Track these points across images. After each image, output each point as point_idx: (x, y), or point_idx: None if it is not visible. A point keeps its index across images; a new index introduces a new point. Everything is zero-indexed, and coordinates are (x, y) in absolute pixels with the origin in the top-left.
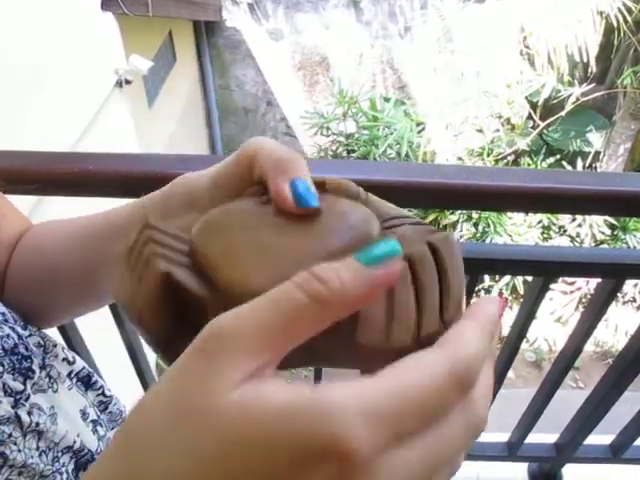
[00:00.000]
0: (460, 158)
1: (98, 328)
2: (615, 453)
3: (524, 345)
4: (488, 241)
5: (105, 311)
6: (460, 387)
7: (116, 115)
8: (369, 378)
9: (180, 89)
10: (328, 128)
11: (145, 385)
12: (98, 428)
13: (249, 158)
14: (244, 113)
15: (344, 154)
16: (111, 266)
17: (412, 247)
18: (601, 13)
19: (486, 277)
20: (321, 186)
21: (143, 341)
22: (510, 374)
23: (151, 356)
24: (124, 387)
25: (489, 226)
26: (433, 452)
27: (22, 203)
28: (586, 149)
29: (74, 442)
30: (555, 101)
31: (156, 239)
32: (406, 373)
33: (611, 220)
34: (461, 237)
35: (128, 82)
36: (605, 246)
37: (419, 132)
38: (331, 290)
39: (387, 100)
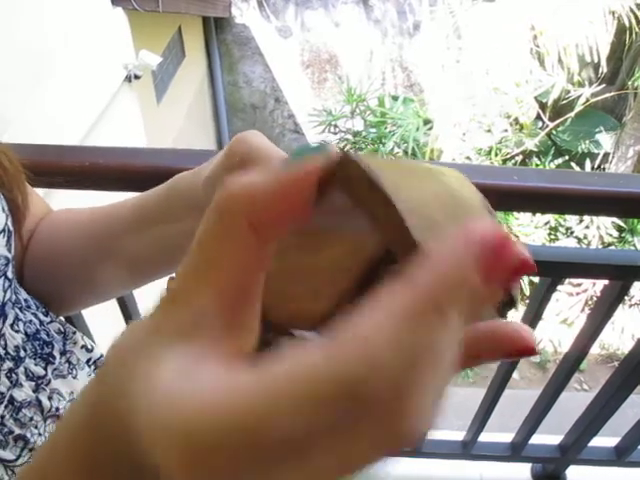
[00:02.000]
0: (468, 157)
1: (101, 313)
2: (620, 456)
3: None
4: None
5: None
6: (348, 397)
7: (125, 110)
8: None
9: (189, 85)
10: (336, 126)
11: None
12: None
13: (240, 161)
14: (252, 109)
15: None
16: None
17: None
18: (613, 13)
19: None
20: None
21: None
22: (514, 375)
23: None
24: None
25: None
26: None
27: None
28: (595, 150)
29: None
30: (564, 101)
31: None
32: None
33: (619, 222)
34: None
35: (137, 77)
36: (613, 248)
37: (427, 130)
38: (231, 196)
39: (395, 98)
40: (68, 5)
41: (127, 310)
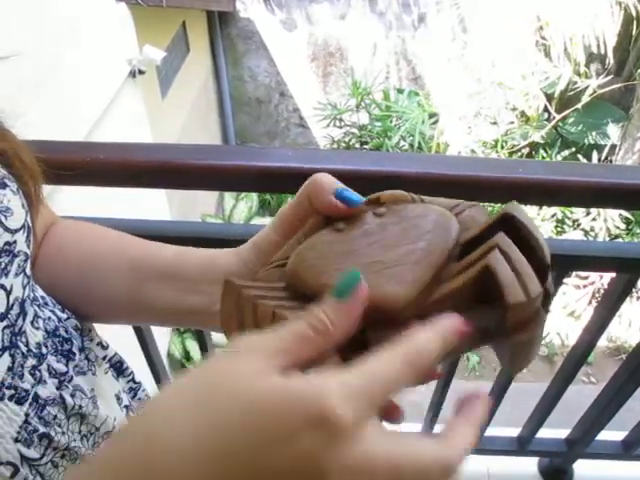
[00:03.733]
0: (473, 150)
1: None
2: (627, 449)
3: None
4: None
5: None
6: (411, 364)
7: (129, 105)
8: (349, 370)
9: (193, 79)
10: (341, 119)
11: (155, 372)
12: (130, 414)
13: (308, 196)
14: (257, 104)
15: (357, 146)
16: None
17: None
18: (620, 3)
19: None
20: (377, 201)
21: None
22: None
23: (161, 343)
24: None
25: None
26: None
27: None
28: (602, 142)
29: (113, 427)
30: (571, 93)
31: (247, 291)
32: (373, 364)
33: (626, 214)
34: None
35: (141, 72)
36: (620, 240)
37: (432, 124)
38: (324, 328)
39: (400, 91)
40: (72, 0)
41: None
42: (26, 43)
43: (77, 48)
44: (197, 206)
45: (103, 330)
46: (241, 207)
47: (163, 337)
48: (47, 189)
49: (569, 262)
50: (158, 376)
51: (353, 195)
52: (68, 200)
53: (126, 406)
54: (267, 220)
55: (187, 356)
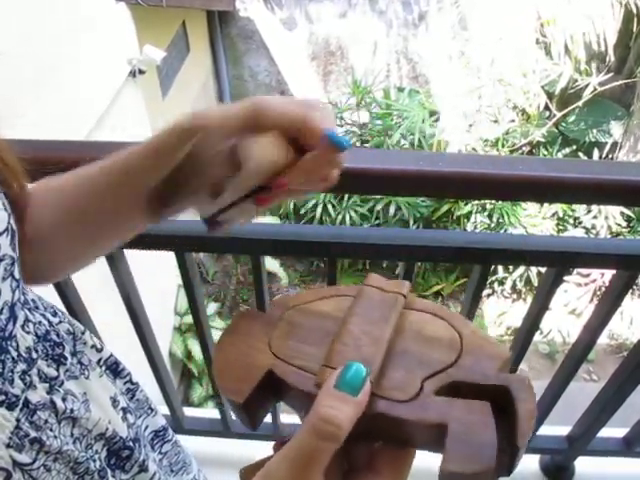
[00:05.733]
0: (474, 148)
1: (110, 321)
2: (628, 446)
3: (537, 337)
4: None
5: (119, 302)
6: None
7: (130, 105)
8: None
9: (193, 79)
10: (342, 118)
11: (156, 372)
12: (128, 416)
13: (255, 119)
14: None
15: (357, 144)
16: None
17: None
18: (620, 1)
19: (500, 268)
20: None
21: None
22: (523, 366)
23: (163, 343)
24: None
25: (503, 217)
26: None
27: None
28: (603, 140)
29: (106, 429)
30: (572, 91)
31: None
32: None
33: (627, 212)
34: (475, 228)
35: (142, 72)
36: (621, 238)
37: (433, 122)
38: (336, 429)
39: (401, 90)
40: (72, 1)
41: (132, 306)
42: (26, 43)
43: (77, 48)
44: None
45: (104, 331)
46: None
47: (164, 336)
48: None
49: (570, 259)
50: (160, 376)
51: (343, 139)
52: None
53: (123, 408)
54: (268, 219)
55: (188, 355)
